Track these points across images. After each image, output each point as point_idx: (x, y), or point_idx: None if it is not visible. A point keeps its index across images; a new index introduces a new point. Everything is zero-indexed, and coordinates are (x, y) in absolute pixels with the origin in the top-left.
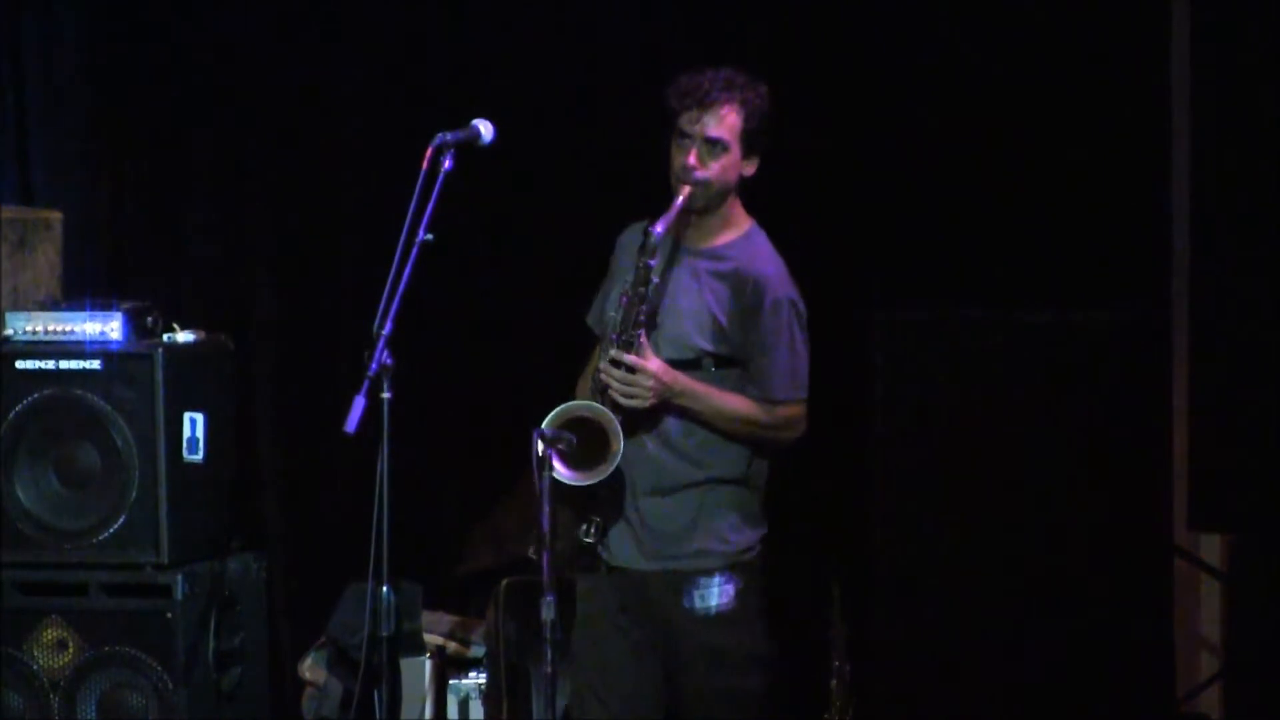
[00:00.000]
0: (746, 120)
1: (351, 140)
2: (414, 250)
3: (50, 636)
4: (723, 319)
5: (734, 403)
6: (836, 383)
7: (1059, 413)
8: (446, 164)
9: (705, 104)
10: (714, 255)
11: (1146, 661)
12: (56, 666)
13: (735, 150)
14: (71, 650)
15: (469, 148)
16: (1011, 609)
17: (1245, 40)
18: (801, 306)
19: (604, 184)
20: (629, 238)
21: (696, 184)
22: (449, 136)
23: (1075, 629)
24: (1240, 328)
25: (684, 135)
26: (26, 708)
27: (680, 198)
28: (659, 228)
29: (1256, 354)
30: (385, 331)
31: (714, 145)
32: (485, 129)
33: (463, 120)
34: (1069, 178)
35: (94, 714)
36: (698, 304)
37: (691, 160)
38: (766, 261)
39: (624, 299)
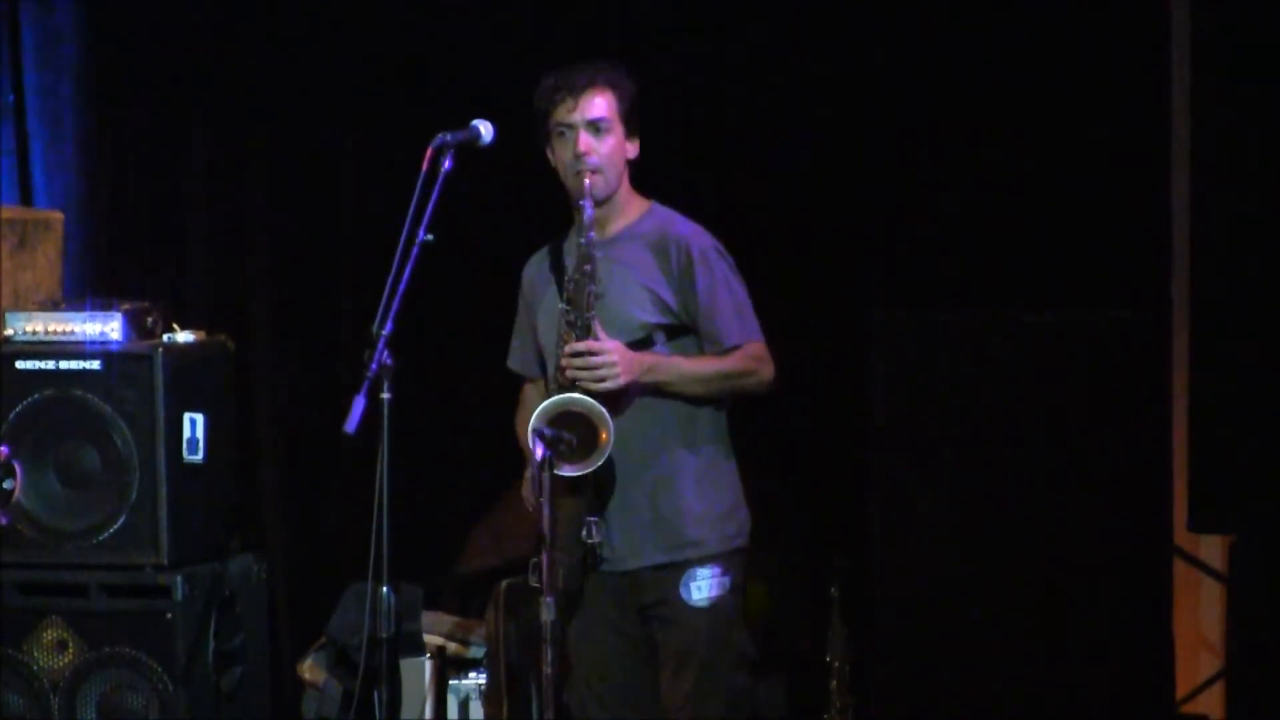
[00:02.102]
0: (620, 100)
1: (351, 140)
2: (414, 250)
3: (50, 637)
4: (659, 288)
5: (701, 362)
6: (836, 382)
7: (1059, 413)
8: (446, 164)
9: (577, 91)
10: (627, 237)
11: (1147, 662)
12: (56, 667)
13: (618, 129)
14: (71, 651)
15: (469, 148)
16: (1011, 610)
17: (1245, 39)
18: (727, 253)
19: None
20: (532, 269)
21: (594, 171)
22: (449, 137)
23: (1075, 630)
24: (1240, 328)
25: (565, 127)
26: (26, 708)
27: (586, 182)
28: (587, 201)
29: (1257, 355)
30: (385, 332)
31: (598, 126)
32: (485, 129)
33: (463, 120)
34: (1069, 177)
35: (94, 715)
36: (630, 284)
37: (583, 146)
38: (681, 222)
39: (570, 284)
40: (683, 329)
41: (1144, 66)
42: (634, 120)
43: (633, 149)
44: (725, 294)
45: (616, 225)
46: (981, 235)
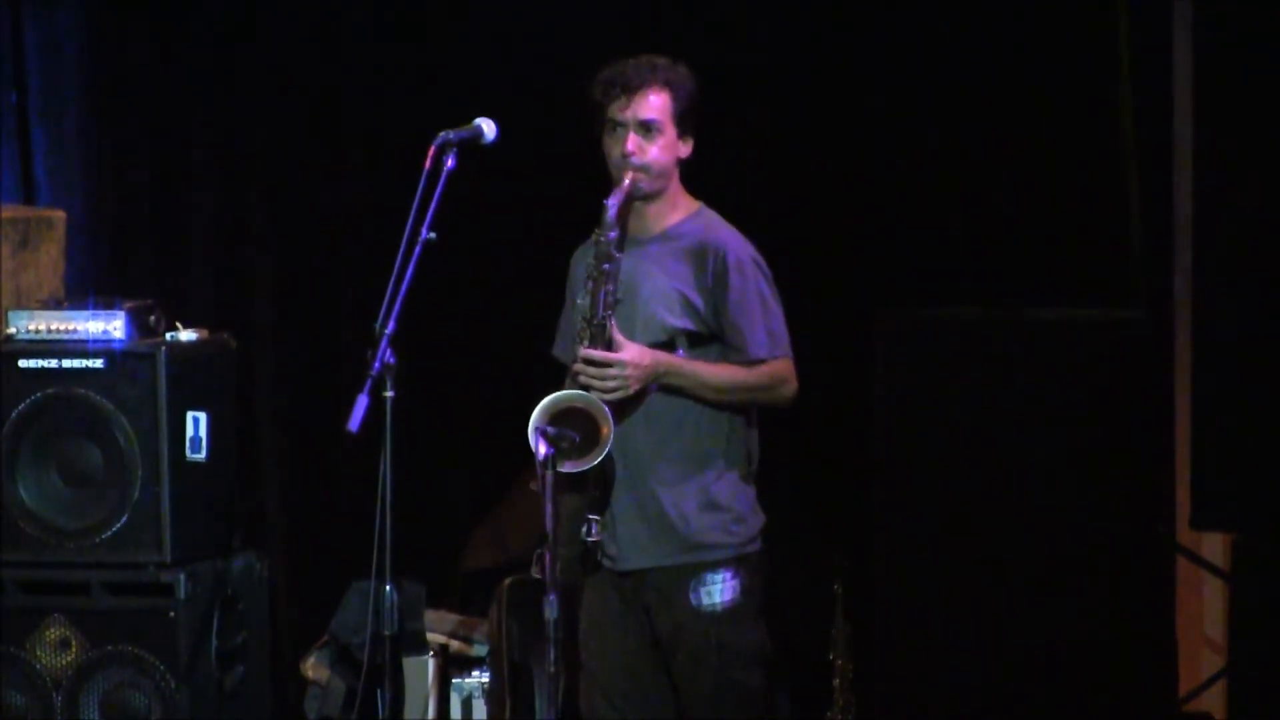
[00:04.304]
0: (675, 100)
1: (353, 139)
2: (417, 249)
3: (53, 636)
4: (691, 294)
5: (721, 370)
6: (838, 382)
7: (1061, 412)
8: (449, 162)
9: (632, 89)
10: (668, 237)
11: (1149, 660)
12: (59, 666)
13: (670, 130)
14: (74, 649)
15: (472, 146)
16: (1013, 608)
17: (1247, 40)
18: (765, 266)
19: (606, 183)
20: (577, 258)
21: (638, 169)
22: (452, 135)
23: (1077, 628)
24: (1242, 327)
25: (617, 124)
26: (29, 707)
27: (626, 180)
28: (612, 200)
29: (1259, 353)
30: (388, 330)
31: (649, 128)
32: (488, 127)
33: (465, 118)
34: (1071, 177)
35: (96, 713)
36: (663, 285)
37: (630, 147)
38: (722, 230)
39: (589, 283)
40: (709, 337)
41: (1146, 65)
42: (689, 120)
43: (685, 149)
44: (757, 306)
45: (659, 225)
46: (985, 235)
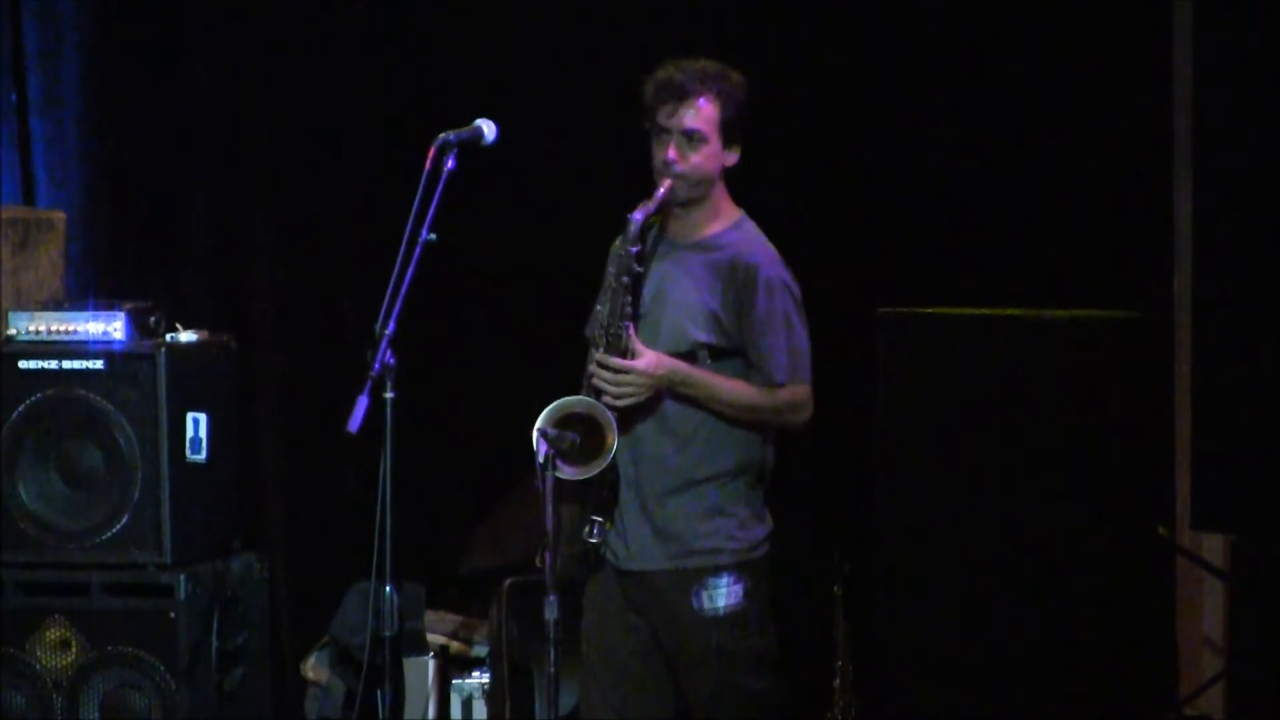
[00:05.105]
0: (723, 110)
1: (353, 140)
2: (416, 250)
3: (53, 636)
4: (717, 308)
5: (735, 388)
6: (839, 381)
7: (1061, 412)
8: (449, 163)
9: (681, 97)
10: (704, 247)
11: (1149, 662)
12: (59, 666)
13: (714, 141)
14: (74, 650)
15: (472, 147)
16: (1013, 609)
17: (1247, 40)
18: (795, 289)
19: (607, 183)
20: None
21: (678, 177)
22: (452, 136)
23: (1077, 629)
24: (1242, 327)
25: (662, 130)
26: (29, 708)
27: (661, 189)
28: (637, 215)
29: (1259, 354)
30: (388, 331)
31: (692, 137)
32: (488, 129)
33: (465, 119)
34: (1072, 177)
35: (96, 714)
36: (691, 296)
37: (671, 154)
38: (758, 247)
39: (609, 292)
40: (731, 351)
41: (1146, 65)
42: (736, 128)
43: (731, 158)
44: (781, 329)
45: (697, 233)
46: (986, 235)
